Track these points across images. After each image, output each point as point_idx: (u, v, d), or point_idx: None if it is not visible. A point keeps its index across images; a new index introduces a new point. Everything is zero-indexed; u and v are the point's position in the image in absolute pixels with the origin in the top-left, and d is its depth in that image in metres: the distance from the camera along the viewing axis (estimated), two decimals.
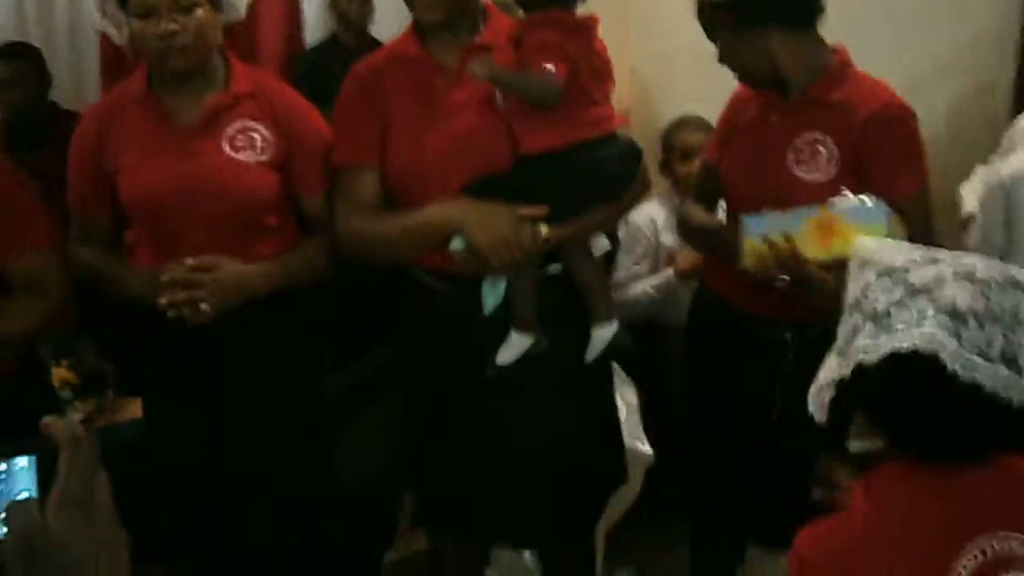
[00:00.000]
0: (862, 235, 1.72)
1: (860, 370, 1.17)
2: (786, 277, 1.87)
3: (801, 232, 1.84)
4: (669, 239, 2.97)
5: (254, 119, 2.02)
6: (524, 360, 1.93)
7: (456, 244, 1.86)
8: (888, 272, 1.19)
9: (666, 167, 3.01)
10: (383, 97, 1.95)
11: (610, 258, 2.87)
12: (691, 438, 2.35)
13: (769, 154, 2.02)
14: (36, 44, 3.51)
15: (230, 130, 2.00)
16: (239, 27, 2.01)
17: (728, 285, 2.12)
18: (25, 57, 3.31)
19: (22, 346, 1.91)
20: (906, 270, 1.18)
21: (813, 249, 1.82)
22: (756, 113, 2.08)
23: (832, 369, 1.23)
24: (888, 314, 1.15)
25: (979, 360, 1.11)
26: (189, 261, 1.92)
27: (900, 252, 1.22)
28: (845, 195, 1.83)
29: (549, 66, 1.77)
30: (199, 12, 1.91)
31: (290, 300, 2.06)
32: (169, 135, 2.00)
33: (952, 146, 2.82)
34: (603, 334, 1.99)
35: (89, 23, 3.60)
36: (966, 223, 2.41)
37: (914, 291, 1.15)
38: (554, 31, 1.81)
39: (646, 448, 2.55)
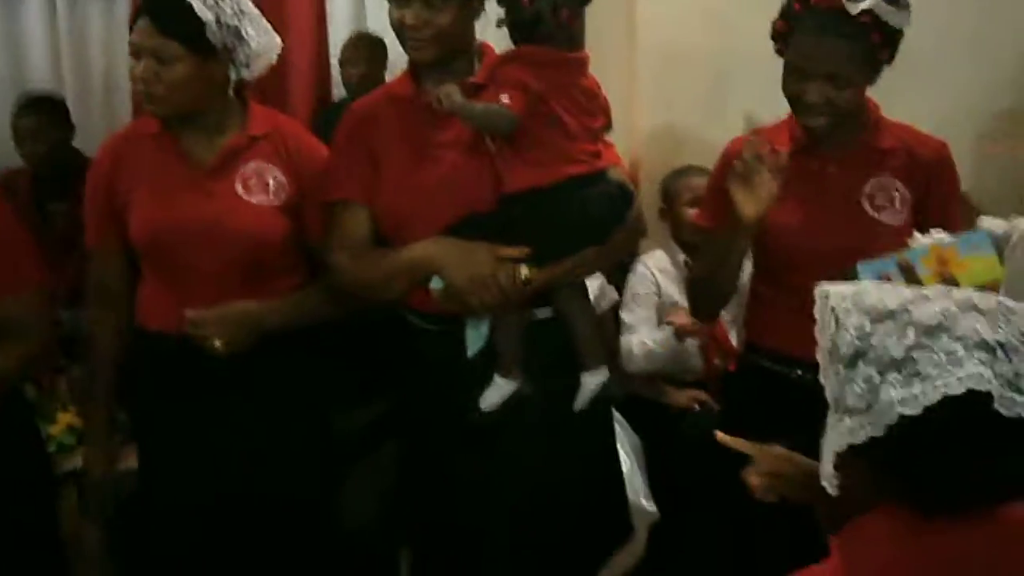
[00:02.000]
0: (980, 266, 1.69)
1: (897, 425, 1.08)
2: None
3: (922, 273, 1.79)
4: (673, 291, 2.90)
5: (268, 161, 2.04)
6: (509, 406, 1.87)
7: (435, 283, 1.83)
8: (886, 316, 1.10)
9: (667, 214, 2.97)
10: (375, 135, 1.95)
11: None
12: (721, 491, 2.24)
13: (842, 205, 1.98)
14: (71, 92, 3.60)
15: (244, 171, 2.01)
16: (269, 74, 2.03)
17: (779, 335, 2.03)
18: (48, 109, 3.38)
19: None
20: (906, 310, 1.09)
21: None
22: (798, 168, 1.98)
23: (852, 432, 1.11)
24: (911, 360, 1.07)
25: (1016, 395, 1.03)
26: (191, 313, 1.93)
27: (882, 292, 1.14)
28: (917, 239, 1.76)
29: (504, 97, 1.76)
30: (179, 67, 1.89)
31: (298, 339, 2.06)
32: (183, 174, 2.00)
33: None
34: (592, 381, 1.93)
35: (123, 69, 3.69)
36: None
37: (929, 331, 1.07)
38: (519, 66, 1.80)
39: (651, 506, 2.46)
